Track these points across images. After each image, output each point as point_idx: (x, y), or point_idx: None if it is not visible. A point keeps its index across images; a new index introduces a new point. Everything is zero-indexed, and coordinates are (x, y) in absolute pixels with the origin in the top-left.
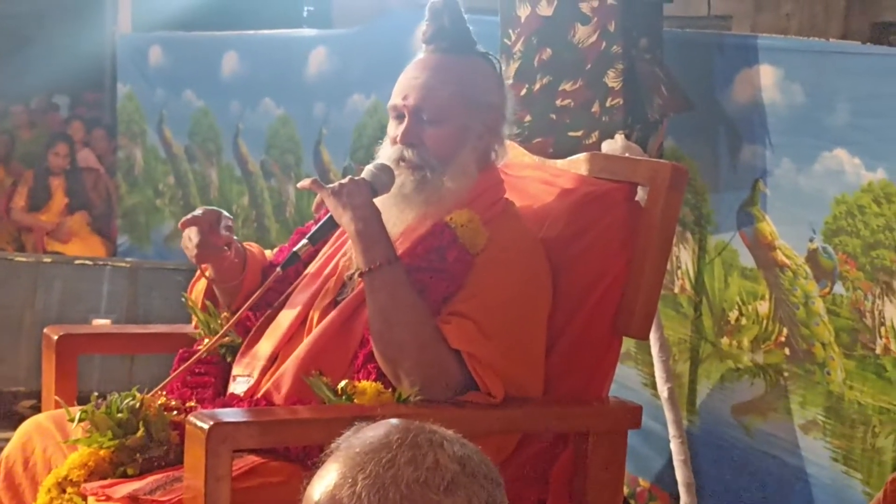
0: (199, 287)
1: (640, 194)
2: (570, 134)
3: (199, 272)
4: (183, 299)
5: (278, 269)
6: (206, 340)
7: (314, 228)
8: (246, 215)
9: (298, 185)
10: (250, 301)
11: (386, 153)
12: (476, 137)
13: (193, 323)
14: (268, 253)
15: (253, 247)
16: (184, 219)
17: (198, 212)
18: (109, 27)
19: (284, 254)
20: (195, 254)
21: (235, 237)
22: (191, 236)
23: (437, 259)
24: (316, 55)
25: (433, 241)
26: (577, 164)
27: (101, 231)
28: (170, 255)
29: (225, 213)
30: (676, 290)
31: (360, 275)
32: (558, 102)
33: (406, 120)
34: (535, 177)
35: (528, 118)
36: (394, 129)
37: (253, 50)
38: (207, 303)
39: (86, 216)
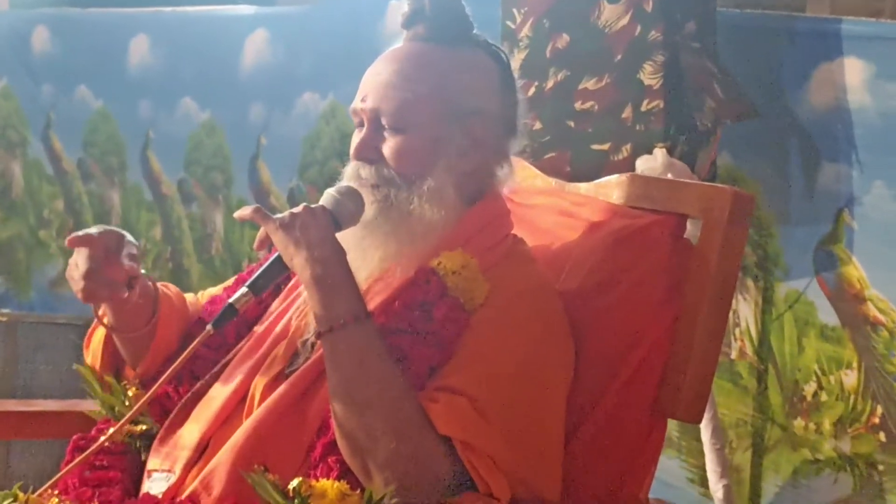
0: (96, 340)
1: (690, 229)
2: (594, 147)
3: (95, 320)
4: (78, 365)
5: (209, 327)
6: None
7: (256, 273)
8: (158, 252)
9: (235, 214)
10: (169, 372)
11: (347, 172)
12: (456, 153)
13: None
14: (189, 297)
15: (169, 288)
16: (72, 235)
17: (92, 230)
18: None
19: (218, 306)
20: (82, 286)
21: (144, 272)
22: (78, 262)
23: (422, 317)
24: (254, 41)
25: (416, 292)
26: (606, 188)
27: None
28: (59, 305)
29: (129, 236)
30: (734, 355)
31: (318, 336)
32: (578, 105)
33: (364, 128)
34: (550, 206)
35: (537, 126)
36: (355, 138)
37: (169, 34)
38: (109, 380)
39: None
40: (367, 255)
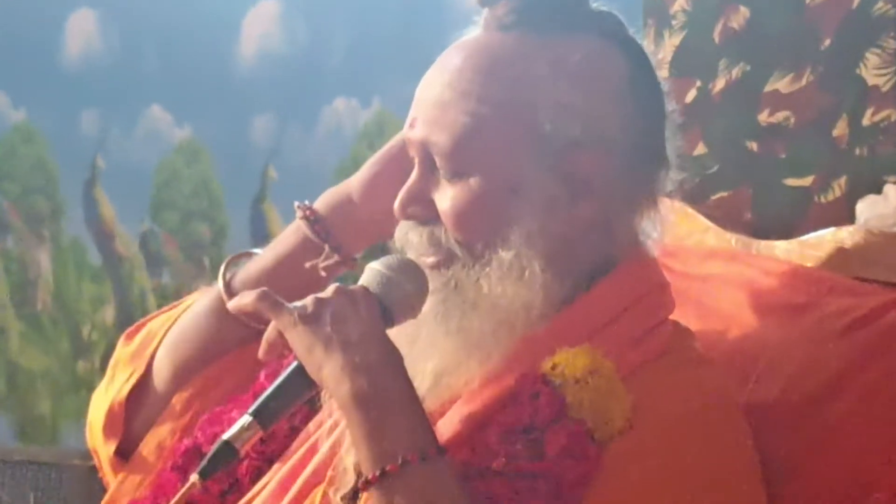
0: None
1: None
2: (789, 182)
3: None
4: None
5: (193, 478)
6: None
7: (265, 393)
8: None
9: (231, 304)
10: None
11: (397, 235)
12: (547, 206)
13: None
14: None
15: None
16: None
17: None
18: None
19: (218, 428)
20: None
21: None
22: None
23: (527, 450)
24: (78, 19)
25: (517, 412)
26: (815, 249)
27: None
28: None
29: None
30: None
31: (365, 485)
32: (764, 117)
33: (415, 169)
34: (729, 277)
35: (700, 149)
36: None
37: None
38: None
39: None
40: (416, 367)
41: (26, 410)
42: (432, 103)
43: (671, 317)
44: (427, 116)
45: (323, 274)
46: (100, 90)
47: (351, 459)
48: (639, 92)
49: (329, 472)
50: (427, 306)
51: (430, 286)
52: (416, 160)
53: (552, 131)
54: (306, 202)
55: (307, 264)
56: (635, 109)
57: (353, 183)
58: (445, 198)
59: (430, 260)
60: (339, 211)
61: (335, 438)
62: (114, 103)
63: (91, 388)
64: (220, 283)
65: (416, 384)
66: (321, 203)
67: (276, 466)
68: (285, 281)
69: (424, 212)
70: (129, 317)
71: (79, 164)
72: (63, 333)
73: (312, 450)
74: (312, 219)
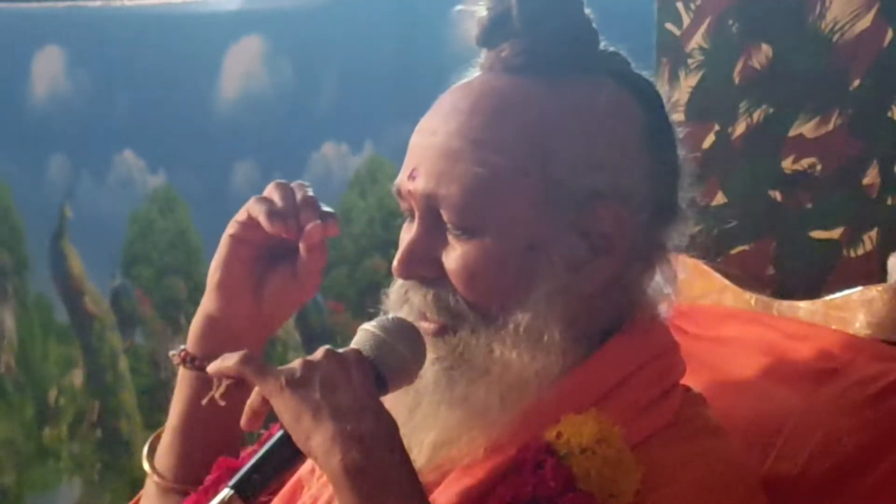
0: None
1: None
2: (815, 235)
3: None
4: None
5: None
6: None
7: (249, 464)
8: None
9: (210, 368)
10: None
11: (391, 295)
12: (567, 264)
13: None
14: None
15: None
16: None
17: None
18: None
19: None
20: None
21: None
22: None
23: None
24: (45, 56)
25: (520, 483)
26: (843, 309)
27: None
28: None
29: None
30: None
31: None
32: (788, 164)
33: (415, 224)
34: (749, 340)
35: (720, 199)
36: (404, 236)
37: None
38: None
39: None
40: (413, 438)
41: None
42: (438, 152)
43: (682, 381)
44: (432, 167)
45: (222, 403)
46: (68, 134)
47: None
48: (654, 139)
49: None
50: (430, 374)
51: (434, 353)
52: (418, 215)
53: (571, 182)
54: (180, 348)
55: (203, 401)
56: (651, 158)
57: (205, 301)
58: (455, 256)
59: (434, 326)
60: (209, 335)
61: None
62: (83, 148)
63: (58, 458)
64: (146, 466)
65: (412, 455)
66: (191, 339)
67: None
68: (201, 430)
69: (428, 271)
70: (100, 380)
71: (45, 215)
72: (28, 399)
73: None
74: (189, 359)
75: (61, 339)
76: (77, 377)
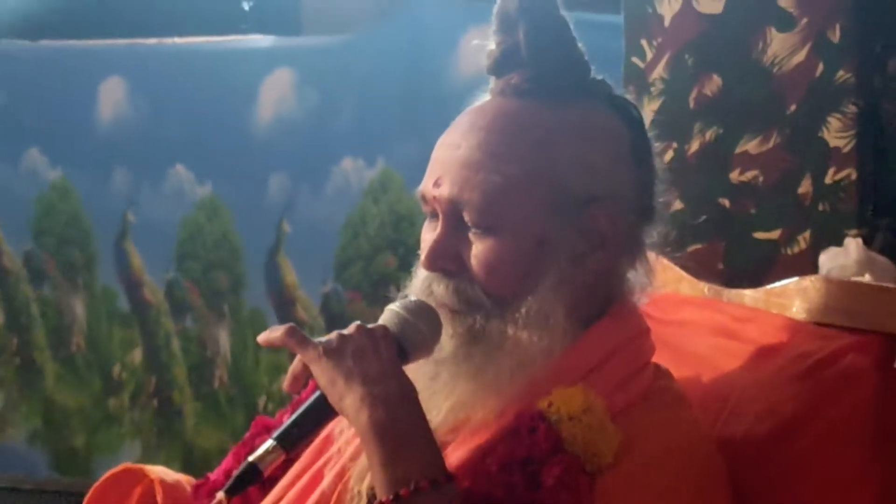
0: None
1: None
2: (759, 236)
3: None
4: None
5: (220, 495)
6: None
7: (289, 420)
8: (2, 342)
9: (261, 338)
10: None
11: (415, 284)
12: (570, 258)
13: None
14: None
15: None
16: None
17: None
18: None
19: (235, 462)
20: None
21: None
22: None
23: (525, 481)
24: (109, 86)
25: (516, 446)
26: (781, 297)
27: None
28: None
29: None
30: None
31: None
32: (735, 176)
33: (439, 224)
34: (702, 323)
35: (677, 205)
36: (426, 234)
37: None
38: None
39: None
40: (432, 402)
41: (61, 444)
42: (461, 163)
43: (651, 361)
44: (456, 176)
45: None
46: (129, 151)
47: (363, 485)
48: (637, 152)
49: (323, 486)
50: (448, 347)
51: (454, 330)
52: (442, 216)
53: (574, 188)
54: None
55: None
56: (636, 168)
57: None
58: (476, 252)
59: (460, 314)
60: None
61: (340, 467)
62: (142, 163)
63: (121, 424)
64: None
65: (430, 417)
66: None
67: (279, 490)
68: None
69: (451, 265)
70: (156, 358)
71: (110, 219)
72: (95, 374)
73: (318, 476)
74: None
75: (124, 324)
76: (137, 355)
